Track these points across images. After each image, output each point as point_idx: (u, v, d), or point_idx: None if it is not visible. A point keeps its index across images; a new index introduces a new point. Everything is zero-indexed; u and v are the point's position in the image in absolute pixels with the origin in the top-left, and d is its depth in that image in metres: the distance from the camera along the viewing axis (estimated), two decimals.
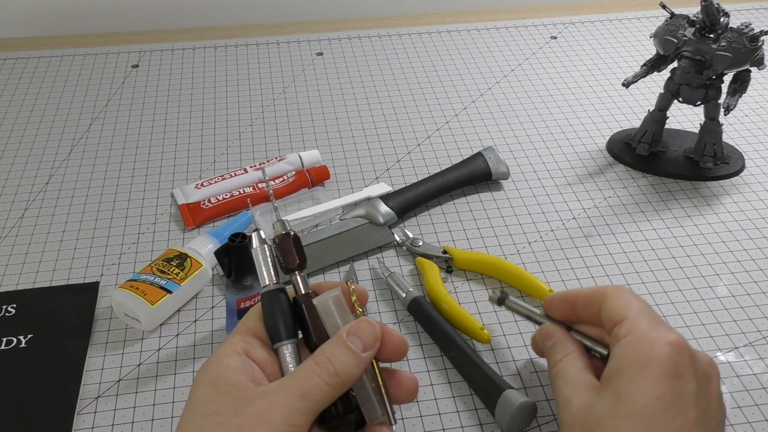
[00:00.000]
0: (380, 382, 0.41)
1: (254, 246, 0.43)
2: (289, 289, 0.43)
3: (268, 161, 0.85)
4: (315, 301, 0.41)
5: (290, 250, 0.42)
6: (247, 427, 0.36)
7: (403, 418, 0.59)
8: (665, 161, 0.86)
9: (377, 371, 0.41)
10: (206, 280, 0.70)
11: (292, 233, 0.43)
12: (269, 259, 0.42)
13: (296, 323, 0.41)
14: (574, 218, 0.79)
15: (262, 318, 0.41)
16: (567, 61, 1.09)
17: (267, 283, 0.41)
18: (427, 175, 0.83)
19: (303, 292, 0.41)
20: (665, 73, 0.84)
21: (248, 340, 0.40)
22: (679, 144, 0.88)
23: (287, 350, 0.40)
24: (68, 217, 0.80)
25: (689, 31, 0.78)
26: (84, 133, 0.94)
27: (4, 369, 0.62)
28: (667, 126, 0.86)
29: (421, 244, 0.74)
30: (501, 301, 0.59)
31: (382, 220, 0.76)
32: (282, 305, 0.41)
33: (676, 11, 0.81)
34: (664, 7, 0.81)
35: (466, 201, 0.82)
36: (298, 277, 0.42)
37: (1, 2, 1.24)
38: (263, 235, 0.43)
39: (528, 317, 0.57)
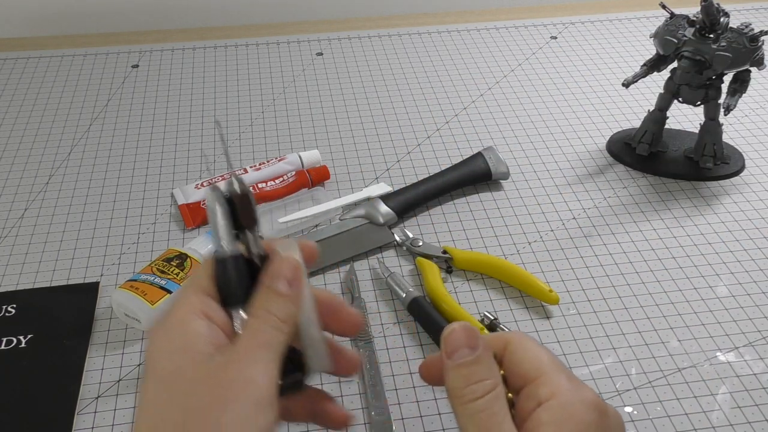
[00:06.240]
0: (319, 330, 0.40)
1: (209, 204, 0.40)
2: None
3: (268, 161, 0.85)
4: (279, 248, 0.40)
5: (249, 209, 0.41)
6: (235, 392, 0.35)
7: (403, 418, 0.59)
8: (665, 161, 0.86)
9: (316, 318, 0.41)
10: None
11: (249, 191, 0.42)
12: (226, 219, 0.41)
13: (250, 285, 0.40)
14: (574, 218, 0.79)
15: (213, 278, 0.40)
16: (567, 61, 1.09)
17: (224, 245, 0.40)
18: (427, 175, 0.83)
19: (256, 252, 0.41)
20: (665, 73, 0.84)
21: (205, 301, 0.39)
22: (679, 144, 0.88)
23: (242, 314, 0.39)
24: (68, 217, 0.80)
25: (689, 31, 0.78)
26: (84, 133, 0.94)
27: (4, 369, 0.62)
28: (667, 126, 0.86)
29: (421, 244, 0.74)
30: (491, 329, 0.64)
31: (382, 220, 0.76)
32: (240, 269, 0.40)
33: (676, 11, 0.81)
34: (664, 7, 0.81)
35: (466, 201, 0.82)
36: (251, 236, 0.41)
37: (1, 2, 1.24)
38: (221, 192, 0.41)
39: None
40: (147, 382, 0.37)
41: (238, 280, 0.40)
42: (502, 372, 0.38)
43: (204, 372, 0.36)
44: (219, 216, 0.40)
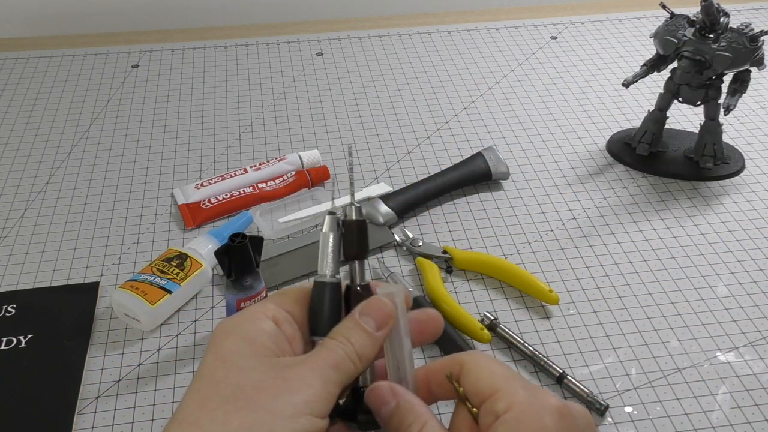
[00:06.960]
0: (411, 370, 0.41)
1: (324, 230, 0.41)
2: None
3: (268, 161, 0.85)
4: (380, 291, 0.41)
5: (361, 237, 0.41)
6: (293, 388, 0.36)
7: None
8: (665, 161, 0.86)
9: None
10: (206, 280, 0.70)
11: (366, 221, 0.42)
12: (336, 248, 0.41)
13: (340, 317, 0.41)
14: (574, 218, 0.79)
15: (299, 299, 0.41)
16: (567, 61, 1.09)
17: (327, 272, 0.41)
18: (427, 175, 0.83)
19: (359, 281, 0.41)
20: (665, 73, 0.84)
21: (280, 312, 0.40)
22: (679, 144, 0.88)
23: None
24: (68, 217, 0.80)
25: (689, 31, 0.78)
26: (84, 133, 0.94)
27: (4, 369, 0.62)
28: (667, 126, 0.86)
29: (421, 244, 0.74)
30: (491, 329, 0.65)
31: (382, 220, 0.76)
32: (336, 299, 0.41)
33: (676, 11, 0.81)
34: (664, 7, 0.81)
35: (466, 201, 0.82)
36: (357, 266, 0.41)
37: (1, 2, 1.24)
38: (337, 219, 0.42)
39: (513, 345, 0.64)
40: (205, 358, 0.38)
41: (332, 306, 0.40)
42: (461, 389, 0.39)
43: (264, 363, 0.37)
44: (331, 243, 0.41)
